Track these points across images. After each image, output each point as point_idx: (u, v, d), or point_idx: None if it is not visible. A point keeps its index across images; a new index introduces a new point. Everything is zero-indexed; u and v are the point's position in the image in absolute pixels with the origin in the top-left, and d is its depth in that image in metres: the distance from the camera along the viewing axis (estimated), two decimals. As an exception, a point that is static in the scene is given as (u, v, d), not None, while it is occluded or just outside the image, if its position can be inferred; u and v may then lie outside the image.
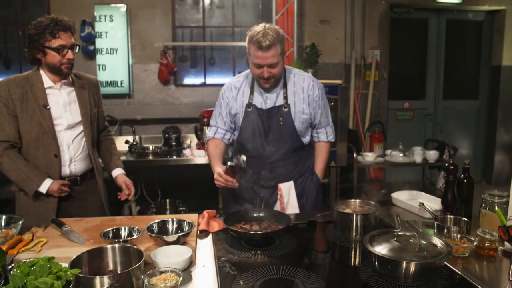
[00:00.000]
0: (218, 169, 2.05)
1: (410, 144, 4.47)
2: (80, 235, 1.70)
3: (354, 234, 1.75)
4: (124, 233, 1.62)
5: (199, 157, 3.80)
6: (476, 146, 6.21)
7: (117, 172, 2.42)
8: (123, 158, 3.93)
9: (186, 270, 1.45)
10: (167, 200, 4.31)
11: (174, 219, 1.71)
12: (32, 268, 1.08)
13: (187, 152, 3.94)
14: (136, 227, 1.63)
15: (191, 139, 4.39)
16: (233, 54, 5.37)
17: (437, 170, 4.46)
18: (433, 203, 2.04)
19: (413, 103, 6.02)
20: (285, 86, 2.19)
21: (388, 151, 4.31)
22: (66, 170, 2.22)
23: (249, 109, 2.19)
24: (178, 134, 4.23)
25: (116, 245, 1.37)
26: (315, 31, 5.27)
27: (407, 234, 1.46)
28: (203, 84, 5.35)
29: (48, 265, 1.09)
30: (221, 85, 5.19)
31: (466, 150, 6.09)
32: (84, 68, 4.95)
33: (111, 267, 1.36)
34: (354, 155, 3.97)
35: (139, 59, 5.09)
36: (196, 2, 5.22)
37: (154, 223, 1.67)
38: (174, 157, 3.88)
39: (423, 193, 2.29)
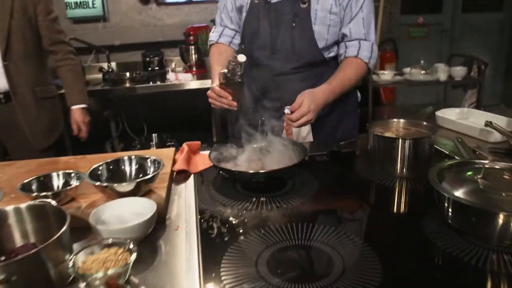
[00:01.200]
0: (214, 82, 1.50)
1: (425, 61, 3.87)
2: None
3: (400, 168, 1.20)
4: (57, 182, 1.07)
5: (186, 82, 3.20)
6: (498, 63, 5.58)
7: (72, 108, 2.28)
8: (97, 87, 3.36)
9: (149, 238, 0.91)
10: (153, 135, 3.77)
11: (133, 156, 1.14)
12: None
13: (171, 76, 3.33)
14: (77, 173, 1.08)
15: (176, 63, 3.77)
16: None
17: (462, 90, 3.88)
18: (500, 122, 1.48)
19: (428, 17, 5.34)
20: None
21: (407, 69, 3.70)
22: None
23: (256, 1, 1.57)
24: (160, 56, 3.59)
25: (23, 206, 0.82)
26: None
27: (497, 167, 0.92)
28: (189, 2, 4.59)
29: None
30: (211, 1, 4.52)
31: (488, 70, 5.48)
32: (47, -15, 4.23)
33: (19, 241, 0.83)
34: (369, 74, 3.36)
35: (111, -29, 4.31)
36: None
37: (103, 164, 1.11)
38: (158, 83, 3.28)
39: (476, 110, 1.73)
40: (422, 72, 3.54)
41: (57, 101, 2.31)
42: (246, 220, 0.99)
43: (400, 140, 1.19)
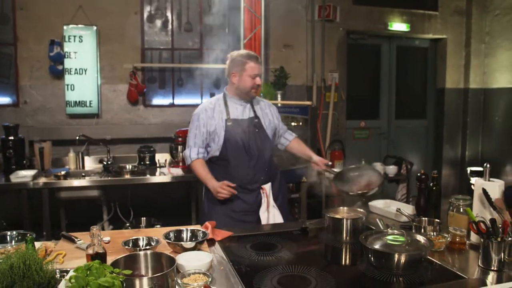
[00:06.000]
0: (216, 183, 2.43)
1: (367, 160, 4.82)
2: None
3: (345, 236, 1.99)
4: (142, 242, 1.76)
5: (177, 175, 3.93)
6: (425, 161, 6.73)
7: None
8: (96, 177, 3.98)
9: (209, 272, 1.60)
10: (143, 218, 4.37)
11: (188, 229, 1.88)
12: (89, 271, 1.21)
13: (164, 170, 4.06)
14: (154, 237, 1.77)
15: (166, 158, 4.50)
16: (200, 76, 5.55)
17: (396, 184, 4.84)
18: (406, 209, 2.32)
19: (369, 122, 6.43)
20: (251, 102, 2.62)
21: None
22: None
23: (229, 123, 2.52)
24: (153, 153, 4.33)
25: (148, 252, 1.51)
26: (280, 55, 5.59)
27: (396, 232, 1.72)
28: (172, 105, 5.47)
29: (103, 267, 1.22)
30: (190, 105, 5.43)
31: (417, 166, 6.58)
32: (51, 88, 4.98)
33: (142, 272, 1.50)
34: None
35: (108, 79, 5.14)
36: (165, 25, 5.38)
37: (171, 232, 1.83)
38: (153, 175, 3.98)
39: (394, 201, 2.59)
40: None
41: None
42: (259, 264, 1.72)
43: (344, 220, 1.98)
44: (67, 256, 1.75)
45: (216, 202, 2.51)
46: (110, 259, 1.50)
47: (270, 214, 2.55)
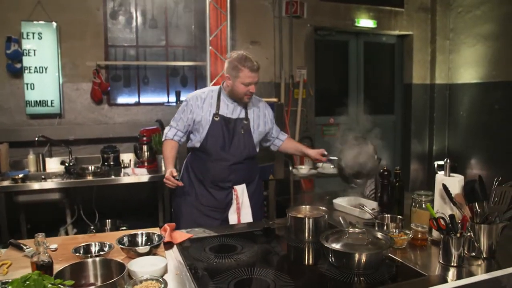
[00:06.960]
0: (168, 170, 2.38)
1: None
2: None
3: (307, 236, 1.95)
4: (94, 248, 1.67)
5: (141, 176, 3.82)
6: (394, 156, 6.82)
7: None
8: (58, 180, 3.82)
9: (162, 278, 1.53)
10: (108, 220, 4.24)
11: (143, 232, 1.79)
12: (26, 283, 1.12)
13: (128, 171, 3.94)
14: (107, 243, 1.68)
15: (130, 158, 4.37)
16: (166, 74, 5.44)
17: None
18: (370, 206, 2.30)
19: (337, 118, 6.46)
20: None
21: (320, 164, 4.62)
22: None
23: (216, 118, 2.46)
24: (117, 153, 4.20)
25: (97, 259, 1.43)
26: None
27: (357, 231, 1.69)
28: (137, 103, 5.33)
29: (42, 279, 1.14)
30: (156, 103, 5.30)
31: (385, 160, 6.63)
32: (9, 87, 4.76)
33: (91, 280, 1.41)
34: (290, 168, 4.22)
35: (70, 78, 4.95)
36: (129, 22, 5.23)
37: (125, 236, 1.74)
38: (117, 176, 3.86)
39: (360, 198, 2.57)
40: (332, 166, 4.48)
41: None
42: (217, 267, 1.65)
43: (306, 219, 1.94)
44: (13, 265, 1.64)
45: (187, 191, 2.54)
46: (59, 267, 1.41)
47: (240, 216, 2.53)
